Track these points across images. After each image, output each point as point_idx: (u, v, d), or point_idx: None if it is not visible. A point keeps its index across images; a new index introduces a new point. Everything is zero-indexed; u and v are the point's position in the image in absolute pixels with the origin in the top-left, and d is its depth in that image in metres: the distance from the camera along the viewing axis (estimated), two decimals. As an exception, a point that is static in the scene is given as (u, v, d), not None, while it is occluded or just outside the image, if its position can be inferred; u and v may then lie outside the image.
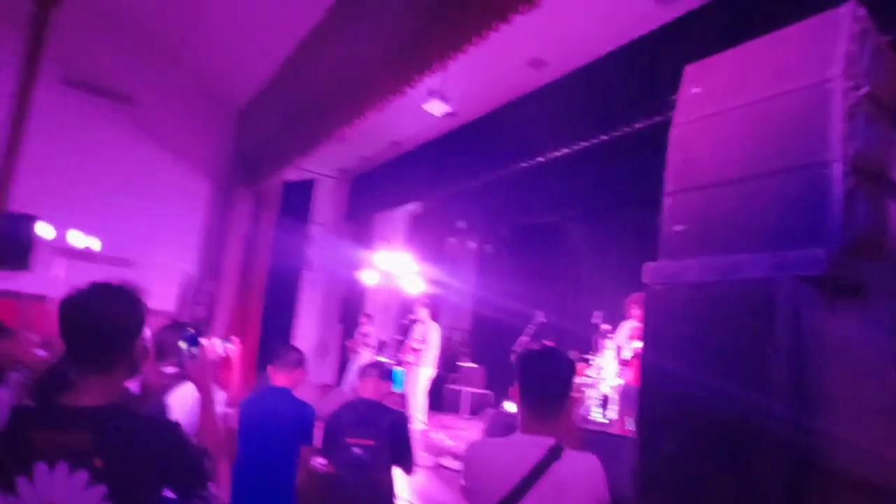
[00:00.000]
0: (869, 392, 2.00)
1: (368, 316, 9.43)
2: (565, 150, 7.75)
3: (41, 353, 3.63)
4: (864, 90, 2.08)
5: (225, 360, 3.45)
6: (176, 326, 3.30)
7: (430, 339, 7.07)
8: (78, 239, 8.29)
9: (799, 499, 1.83)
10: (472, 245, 11.63)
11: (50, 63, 9.17)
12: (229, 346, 3.31)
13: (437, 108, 7.83)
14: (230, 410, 3.08)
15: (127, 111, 9.91)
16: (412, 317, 7.68)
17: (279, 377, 3.07)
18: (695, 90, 2.60)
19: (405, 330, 7.96)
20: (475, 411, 7.75)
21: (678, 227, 2.45)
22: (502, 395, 8.23)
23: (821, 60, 2.14)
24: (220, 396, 3.12)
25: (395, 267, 9.66)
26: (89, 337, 1.44)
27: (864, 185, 2.07)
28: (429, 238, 11.33)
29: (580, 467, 1.76)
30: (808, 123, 2.13)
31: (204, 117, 10.56)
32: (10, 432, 1.35)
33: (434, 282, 10.02)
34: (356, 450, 2.79)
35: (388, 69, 6.76)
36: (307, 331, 10.58)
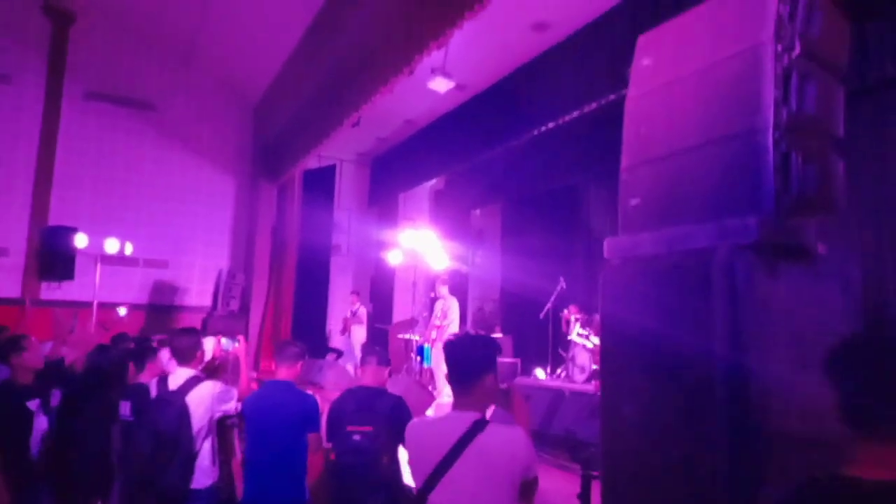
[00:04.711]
0: (817, 349, 2.04)
1: (356, 293, 9.79)
2: (576, 113, 7.70)
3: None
4: (796, 50, 2.08)
5: (233, 358, 3.69)
6: (190, 331, 3.53)
7: (450, 314, 7.23)
8: (114, 245, 8.72)
9: (745, 457, 1.91)
10: (496, 215, 11.67)
11: (72, 79, 9.58)
12: (236, 344, 3.54)
13: (441, 84, 7.85)
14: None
15: (150, 118, 10.27)
16: (433, 294, 7.86)
17: (281, 371, 3.28)
18: (646, 62, 2.61)
19: (432, 307, 8.16)
20: (503, 380, 7.92)
21: (634, 202, 2.49)
22: (530, 362, 8.36)
23: (753, 24, 2.14)
24: (232, 393, 3.36)
25: (419, 245, 9.82)
26: None
27: (803, 145, 2.07)
28: (453, 212, 11.42)
29: (502, 439, 1.91)
30: (744, 90, 2.14)
31: (222, 116, 10.86)
32: None
33: (460, 256, 10.15)
34: (355, 437, 2.96)
35: (387, 52, 6.85)
36: (341, 314, 10.89)
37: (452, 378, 2.08)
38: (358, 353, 8.16)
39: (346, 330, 9.56)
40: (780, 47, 2.05)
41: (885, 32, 4.27)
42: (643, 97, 2.57)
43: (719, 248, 2.01)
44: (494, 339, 2.29)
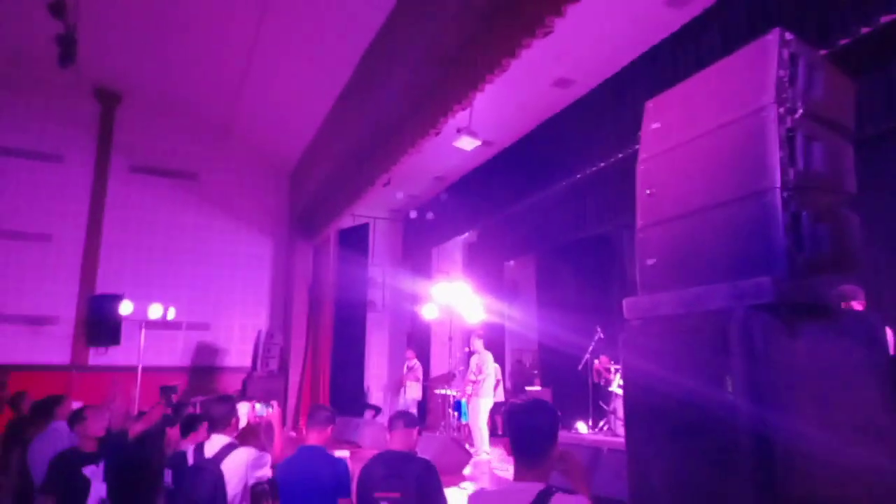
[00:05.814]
0: (841, 407, 2.01)
1: (412, 350, 9.75)
2: (602, 164, 7.77)
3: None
4: (799, 112, 2.12)
5: (266, 424, 3.75)
6: (225, 399, 3.64)
7: (485, 369, 7.20)
8: (157, 311, 9.02)
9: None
10: (530, 265, 11.68)
11: (118, 155, 10.15)
12: (269, 409, 3.61)
13: (467, 143, 8.03)
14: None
15: (191, 187, 10.75)
16: (468, 349, 7.85)
17: (312, 436, 3.32)
18: (654, 125, 2.68)
19: (468, 361, 8.15)
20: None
21: (650, 261, 2.52)
22: (570, 415, 8.20)
23: (755, 89, 2.19)
24: (266, 459, 3.41)
25: (454, 298, 9.87)
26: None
27: (813, 203, 2.09)
28: (486, 264, 11.47)
29: None
30: (750, 152, 2.18)
31: (260, 182, 11.29)
32: None
33: (494, 309, 10.15)
34: (383, 504, 2.97)
35: (413, 117, 7.10)
36: (378, 370, 10.95)
37: (517, 449, 1.95)
38: (414, 411, 8.15)
39: (401, 386, 9.53)
40: (782, 110, 2.09)
41: (872, 86, 4.29)
42: (653, 159, 2.63)
43: (735, 309, 2.02)
44: (552, 406, 2.21)
